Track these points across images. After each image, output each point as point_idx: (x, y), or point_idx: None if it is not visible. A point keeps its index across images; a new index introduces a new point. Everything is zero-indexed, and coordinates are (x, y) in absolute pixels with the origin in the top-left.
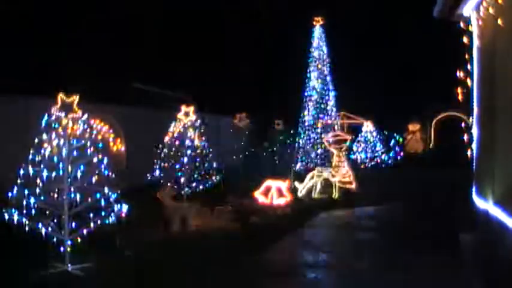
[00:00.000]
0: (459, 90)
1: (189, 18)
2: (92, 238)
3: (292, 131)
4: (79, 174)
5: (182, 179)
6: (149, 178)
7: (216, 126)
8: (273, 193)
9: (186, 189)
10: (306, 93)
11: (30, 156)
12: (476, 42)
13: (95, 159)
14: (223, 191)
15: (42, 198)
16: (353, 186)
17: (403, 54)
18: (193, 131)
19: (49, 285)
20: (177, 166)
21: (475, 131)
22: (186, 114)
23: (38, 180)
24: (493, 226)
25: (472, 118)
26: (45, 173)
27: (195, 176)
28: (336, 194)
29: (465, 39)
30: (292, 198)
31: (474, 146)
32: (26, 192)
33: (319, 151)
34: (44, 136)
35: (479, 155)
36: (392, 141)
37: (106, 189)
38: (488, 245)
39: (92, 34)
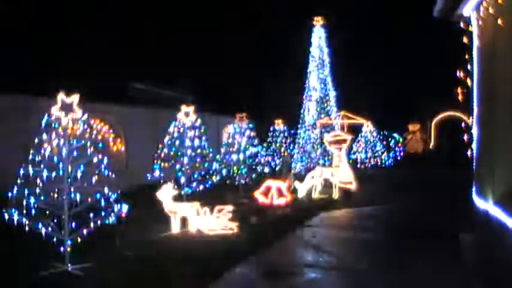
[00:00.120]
0: (459, 90)
1: (189, 18)
2: (92, 238)
3: (292, 131)
4: (79, 174)
5: (182, 179)
6: (149, 178)
7: (216, 126)
8: (273, 193)
9: (186, 189)
10: (306, 93)
11: (30, 156)
12: (476, 42)
13: (95, 159)
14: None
15: (42, 198)
16: (353, 186)
17: (403, 54)
18: (193, 131)
19: (49, 285)
20: (177, 166)
21: (475, 131)
22: (186, 114)
23: (38, 180)
24: (493, 226)
25: (472, 118)
26: (45, 173)
27: (195, 176)
28: (336, 194)
29: (465, 39)
30: (292, 198)
31: (474, 146)
32: (26, 192)
33: (319, 151)
34: (44, 136)
35: (479, 155)
36: (392, 141)
37: (106, 189)
38: (488, 245)
39: (92, 34)
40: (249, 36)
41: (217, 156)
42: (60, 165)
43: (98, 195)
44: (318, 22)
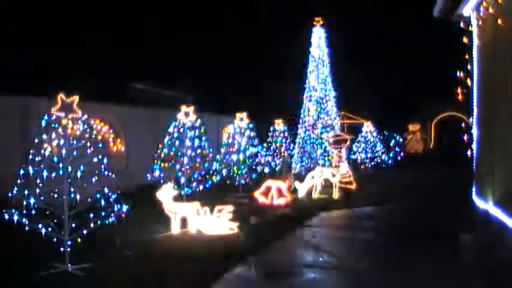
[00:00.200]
0: (459, 90)
1: (189, 18)
2: (92, 238)
3: (292, 131)
4: (79, 174)
5: (182, 179)
6: (149, 178)
7: (216, 126)
8: (273, 193)
9: (186, 189)
10: (306, 93)
11: (30, 156)
12: (476, 42)
13: (95, 159)
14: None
15: (42, 198)
16: (353, 186)
17: (403, 54)
18: (193, 131)
19: (49, 285)
20: (177, 166)
21: (475, 131)
22: (186, 114)
23: (38, 180)
24: (493, 226)
25: (472, 118)
26: (45, 173)
27: (195, 176)
28: (336, 194)
29: (465, 39)
30: (292, 198)
31: (474, 146)
32: (26, 192)
33: (319, 151)
34: (44, 136)
35: (479, 155)
36: (393, 141)
37: (106, 189)
38: (488, 245)
39: (92, 34)
40: (249, 36)
41: (217, 156)
42: (60, 165)
43: (98, 195)
44: (318, 22)
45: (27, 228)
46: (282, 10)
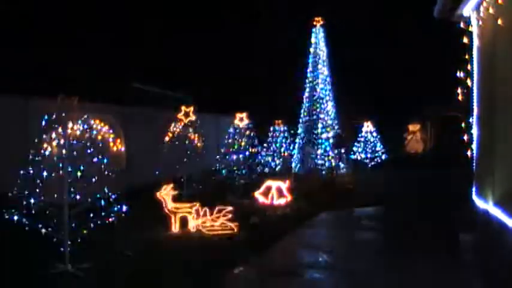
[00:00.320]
0: (459, 90)
1: (189, 18)
2: (92, 238)
3: (292, 131)
4: (79, 174)
5: (182, 179)
6: (149, 178)
7: (216, 126)
8: (273, 193)
9: (186, 189)
10: (306, 93)
11: (30, 156)
12: (476, 42)
13: (95, 159)
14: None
15: (42, 198)
16: (353, 186)
17: (403, 54)
18: (193, 131)
19: (49, 285)
20: (177, 166)
21: (475, 131)
22: (186, 114)
23: (38, 180)
24: (493, 226)
25: (472, 118)
26: (45, 173)
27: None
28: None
29: (465, 39)
30: (292, 198)
31: (474, 146)
32: (26, 192)
33: (319, 151)
34: (44, 136)
35: (479, 155)
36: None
37: (106, 189)
38: (488, 245)
39: (92, 34)
40: (249, 36)
41: (217, 157)
42: (60, 165)
43: (98, 195)
44: (318, 22)
45: (27, 228)
46: (282, 10)
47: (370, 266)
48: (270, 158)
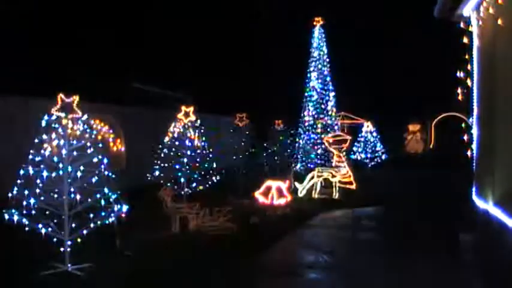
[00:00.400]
0: (459, 90)
1: (189, 18)
2: (92, 238)
3: (292, 131)
4: (79, 174)
5: (182, 179)
6: (149, 178)
7: (216, 126)
8: (273, 193)
9: (186, 189)
10: (306, 93)
11: (30, 156)
12: (476, 42)
13: (95, 159)
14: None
15: (42, 198)
16: (353, 186)
17: (403, 54)
18: (193, 131)
19: (49, 285)
20: (177, 166)
21: (475, 131)
22: (186, 114)
23: (38, 180)
24: (493, 226)
25: (472, 118)
26: (45, 173)
27: (195, 176)
28: (336, 194)
29: (465, 39)
30: (292, 198)
31: (474, 146)
32: (26, 192)
33: (319, 151)
34: (44, 136)
35: (479, 155)
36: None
37: (106, 189)
38: (488, 245)
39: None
40: (249, 36)
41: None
42: (60, 165)
43: (98, 195)
44: (318, 22)
45: (27, 228)
46: (282, 10)
47: (370, 266)
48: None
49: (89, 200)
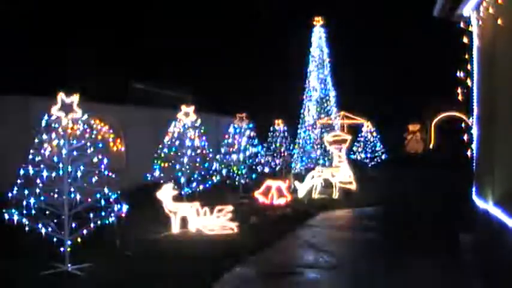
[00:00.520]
0: (459, 90)
1: (189, 18)
2: (92, 238)
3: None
4: (79, 174)
5: (182, 179)
6: (149, 178)
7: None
8: (273, 193)
9: (186, 189)
10: (306, 93)
11: (30, 156)
12: (476, 42)
13: (95, 159)
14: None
15: (42, 198)
16: (353, 186)
17: (403, 54)
18: (193, 131)
19: (49, 285)
20: (177, 166)
21: (475, 131)
22: (186, 114)
23: (38, 180)
24: (493, 226)
25: (472, 118)
26: (45, 173)
27: (195, 176)
28: (336, 194)
29: (465, 39)
30: (292, 198)
31: (474, 146)
32: (26, 192)
33: (319, 151)
34: (44, 136)
35: (479, 155)
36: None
37: (106, 189)
38: (488, 245)
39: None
40: (249, 36)
41: (217, 156)
42: (60, 165)
43: (98, 195)
44: (318, 22)
45: (27, 228)
46: (282, 10)
47: (370, 266)
48: (270, 158)
49: (89, 200)
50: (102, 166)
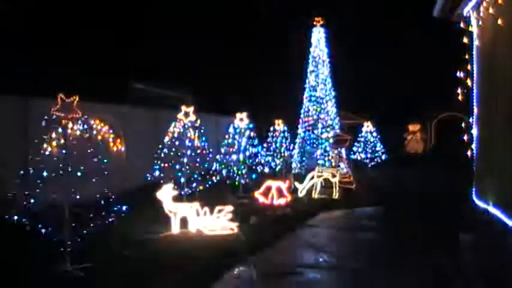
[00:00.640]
0: (459, 90)
1: (189, 18)
2: (92, 238)
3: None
4: (79, 174)
5: (182, 179)
6: (149, 178)
7: (216, 126)
8: (273, 193)
9: (186, 189)
10: (306, 93)
11: (30, 156)
12: (476, 42)
13: (95, 159)
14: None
15: (42, 198)
16: (353, 186)
17: (403, 54)
18: (193, 131)
19: (49, 285)
20: (177, 166)
21: (475, 131)
22: (186, 114)
23: (38, 180)
24: (493, 226)
25: (472, 118)
26: (45, 173)
27: (195, 176)
28: (336, 194)
29: (465, 39)
30: (292, 198)
31: (474, 146)
32: (26, 192)
33: (319, 151)
34: (44, 136)
35: (479, 155)
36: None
37: (106, 189)
38: (488, 245)
39: (92, 34)
40: (249, 36)
41: (217, 156)
42: (60, 165)
43: (98, 195)
44: (318, 22)
45: (27, 228)
46: (282, 10)
47: (370, 266)
48: (270, 158)
49: (89, 200)
50: (102, 166)
